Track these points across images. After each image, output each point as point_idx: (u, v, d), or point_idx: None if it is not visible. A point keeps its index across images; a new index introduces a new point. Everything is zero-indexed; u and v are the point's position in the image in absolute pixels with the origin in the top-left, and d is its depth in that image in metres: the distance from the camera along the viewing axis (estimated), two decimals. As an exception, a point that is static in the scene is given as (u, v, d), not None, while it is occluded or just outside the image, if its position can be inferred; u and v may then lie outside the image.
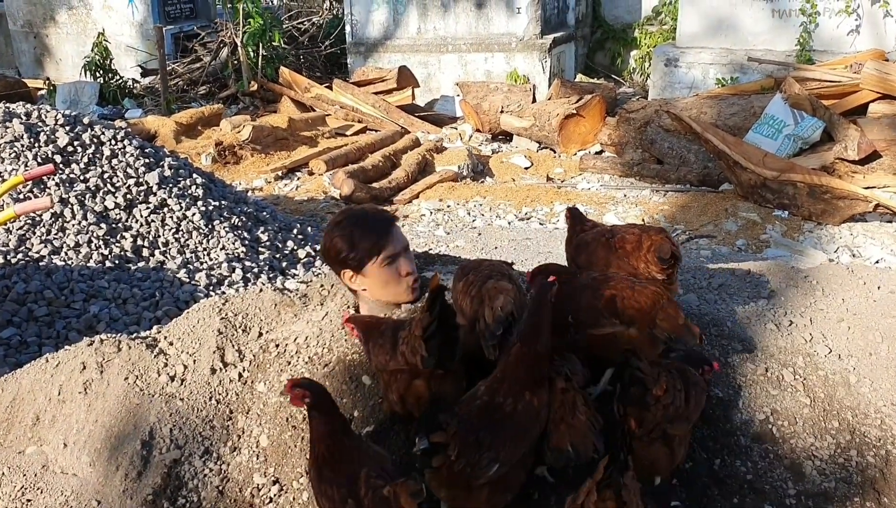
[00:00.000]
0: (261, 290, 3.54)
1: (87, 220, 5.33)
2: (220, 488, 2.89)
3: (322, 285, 3.54)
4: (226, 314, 3.41)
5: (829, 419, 3.18)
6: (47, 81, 14.14)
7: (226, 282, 5.38)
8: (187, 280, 5.25)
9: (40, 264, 4.91)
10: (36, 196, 5.26)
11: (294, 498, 2.81)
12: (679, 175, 8.70)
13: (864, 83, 8.34)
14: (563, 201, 8.26)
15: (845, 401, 3.25)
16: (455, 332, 2.56)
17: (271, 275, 5.59)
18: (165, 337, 3.40)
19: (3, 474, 3.15)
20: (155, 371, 3.24)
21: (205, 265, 5.48)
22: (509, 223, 7.57)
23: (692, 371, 2.71)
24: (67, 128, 5.71)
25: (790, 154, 8.07)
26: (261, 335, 3.36)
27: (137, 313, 4.88)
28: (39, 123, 5.68)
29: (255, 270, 5.59)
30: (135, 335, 3.40)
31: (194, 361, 3.27)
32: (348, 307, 3.31)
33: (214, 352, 3.26)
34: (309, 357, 3.15)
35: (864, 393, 3.27)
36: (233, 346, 3.29)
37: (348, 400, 2.95)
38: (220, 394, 3.16)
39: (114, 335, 3.36)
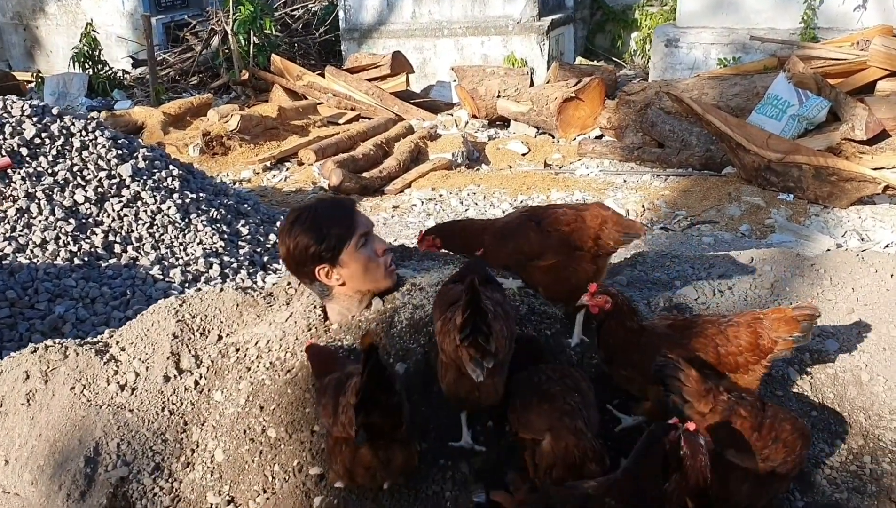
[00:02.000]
0: (221, 289, 3.28)
1: (54, 215, 5.07)
2: (171, 508, 2.64)
3: (289, 283, 3.28)
4: (183, 317, 3.14)
5: (839, 423, 2.92)
6: (37, 74, 13.87)
7: (202, 278, 5.12)
8: (161, 277, 4.99)
9: (3, 262, 4.66)
10: (1, 192, 5.00)
11: (249, 520, 2.56)
12: (680, 159, 8.41)
13: (871, 60, 8.02)
14: (560, 188, 7.98)
15: (857, 401, 2.98)
16: (395, 397, 2.26)
17: (251, 270, 5.34)
18: (118, 342, 3.14)
19: (-59, 494, 2.91)
20: (104, 380, 2.98)
21: (180, 261, 5.22)
22: (503, 212, 7.28)
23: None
24: (35, 119, 5.45)
25: (795, 135, 7.77)
26: (220, 338, 3.10)
27: (106, 313, 4.63)
28: (4, 115, 5.42)
29: (235, 265, 5.33)
30: (83, 340, 3.14)
31: (147, 368, 3.01)
32: (314, 308, 3.04)
33: (169, 358, 3.00)
34: (270, 363, 2.88)
35: (878, 392, 2.99)
36: (189, 351, 3.03)
37: (311, 410, 2.68)
38: (173, 404, 2.90)
39: (60, 341, 3.10)
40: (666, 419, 2.62)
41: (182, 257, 5.28)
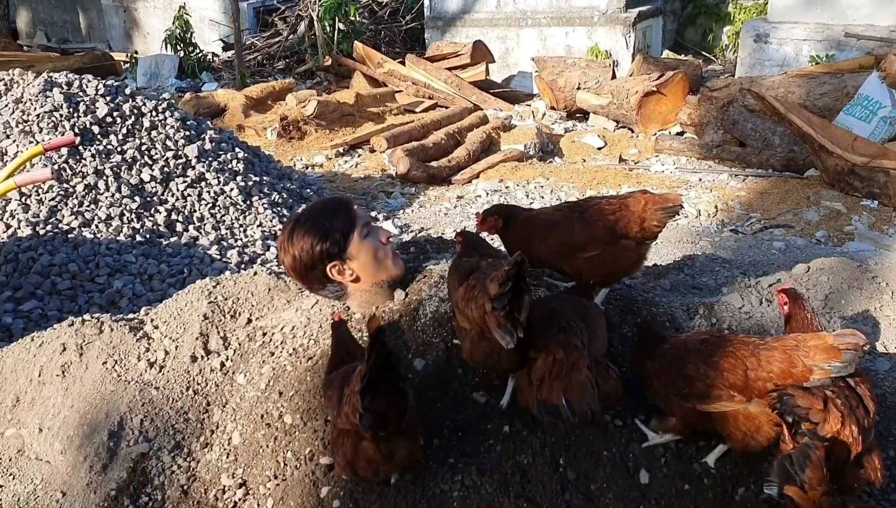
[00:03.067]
0: (255, 273, 3.30)
1: (120, 192, 5.22)
2: (186, 487, 2.68)
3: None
4: (215, 298, 3.18)
5: (887, 449, 2.73)
6: (132, 55, 14.38)
7: (258, 260, 5.20)
8: (218, 257, 5.08)
9: (69, 236, 4.83)
10: (71, 167, 5.18)
11: (258, 505, 2.56)
12: (761, 159, 8.08)
13: (974, 61, 7.53)
14: (632, 183, 7.78)
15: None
16: (401, 384, 2.24)
17: (307, 254, 5.37)
18: (152, 320, 3.20)
19: (-20, 456, 3.03)
20: (135, 356, 3.05)
21: (238, 243, 5.31)
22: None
23: None
24: (108, 98, 5.62)
25: (884, 138, 7.36)
26: (249, 321, 3.12)
27: (163, 289, 4.74)
28: (80, 93, 5.61)
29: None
30: (120, 317, 3.21)
31: (176, 347, 3.06)
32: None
33: (198, 338, 3.04)
34: (294, 349, 2.89)
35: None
36: (218, 333, 3.07)
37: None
38: (198, 384, 2.94)
39: (97, 316, 3.18)
40: (693, 437, 2.51)
41: (241, 239, 5.37)
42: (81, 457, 2.81)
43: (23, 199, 4.96)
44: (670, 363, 2.48)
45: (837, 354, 2.27)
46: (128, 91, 5.81)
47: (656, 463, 2.54)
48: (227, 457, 2.71)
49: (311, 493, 2.52)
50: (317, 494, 2.51)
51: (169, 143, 5.63)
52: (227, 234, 5.36)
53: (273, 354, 2.92)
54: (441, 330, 2.81)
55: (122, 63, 14.36)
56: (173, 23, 13.76)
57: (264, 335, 3.02)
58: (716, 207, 7.05)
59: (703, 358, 2.43)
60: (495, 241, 2.99)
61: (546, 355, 2.32)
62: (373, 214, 6.08)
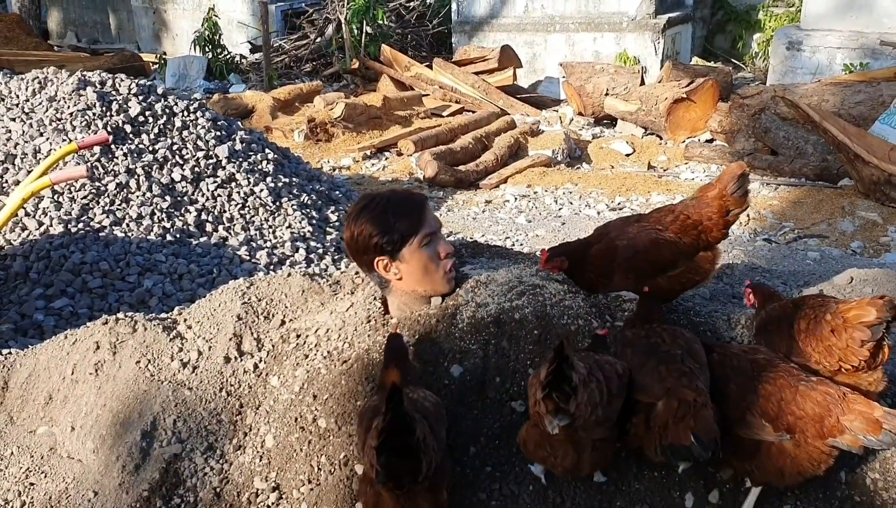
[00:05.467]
0: (289, 275, 3.28)
1: (151, 191, 5.23)
2: (218, 490, 2.65)
3: (357, 272, 3.24)
4: (249, 299, 3.16)
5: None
6: (161, 56, 14.48)
7: (287, 262, 5.18)
8: (248, 258, 5.07)
9: (100, 234, 4.83)
10: (103, 166, 5.19)
11: (292, 509, 2.53)
12: (794, 168, 7.97)
13: None
14: (661, 191, 7.70)
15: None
16: (418, 442, 2.14)
17: (336, 257, 5.36)
18: (185, 320, 3.18)
19: (13, 453, 3.02)
20: (168, 356, 3.03)
21: (268, 243, 5.30)
22: (598, 213, 7.09)
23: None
24: (140, 98, 5.64)
25: (922, 148, 7.23)
26: (283, 323, 3.09)
27: (192, 289, 4.73)
28: (113, 92, 5.63)
29: (320, 250, 5.37)
30: (154, 316, 3.19)
31: (210, 347, 3.04)
32: (375, 300, 2.99)
33: (231, 339, 3.01)
34: (328, 352, 2.85)
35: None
36: (252, 334, 3.04)
37: (362, 403, 2.63)
38: (231, 385, 2.92)
39: (131, 314, 3.17)
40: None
41: (270, 240, 5.35)
42: (114, 457, 2.79)
43: (55, 197, 4.97)
44: (716, 378, 2.38)
45: (878, 429, 2.15)
46: (160, 91, 5.82)
47: (698, 484, 2.48)
48: (261, 460, 2.68)
49: (346, 499, 2.48)
50: (351, 501, 2.48)
51: (200, 143, 5.63)
52: (256, 235, 5.35)
53: (307, 356, 2.88)
54: (478, 336, 2.76)
55: (151, 64, 14.46)
56: (202, 24, 13.84)
57: (298, 337, 2.98)
58: (748, 215, 6.95)
59: (746, 379, 2.34)
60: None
61: (669, 400, 2.22)
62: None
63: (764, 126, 8.48)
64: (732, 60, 13.60)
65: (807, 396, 2.24)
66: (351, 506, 2.46)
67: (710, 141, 9.39)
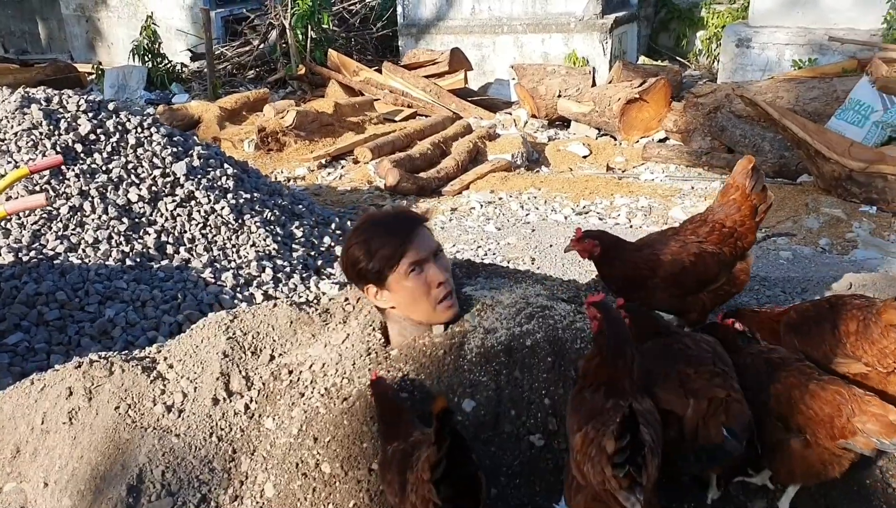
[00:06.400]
0: (275, 305, 3.07)
1: (107, 214, 4.94)
2: (216, 547, 2.43)
3: (347, 299, 3.05)
4: (234, 333, 2.94)
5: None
6: (97, 66, 13.96)
7: (254, 282, 4.95)
8: (213, 280, 4.82)
9: (54, 262, 4.53)
10: (54, 188, 4.88)
11: (301, 566, 2.34)
12: (752, 165, 7.99)
13: (962, 64, 7.54)
14: (623, 193, 7.65)
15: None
16: (475, 468, 2.01)
17: (304, 275, 5.14)
18: (165, 358, 2.95)
19: (-22, 515, 2.76)
20: (150, 400, 2.79)
21: (233, 264, 5.06)
22: (566, 218, 6.99)
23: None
24: (90, 114, 5.33)
25: (878, 143, 7.33)
26: (272, 358, 2.88)
27: (157, 317, 4.47)
28: (60, 110, 5.31)
29: (288, 269, 5.14)
30: (130, 354, 2.95)
31: (195, 388, 2.81)
32: (373, 330, 2.81)
33: (218, 379, 2.79)
34: (325, 389, 2.66)
35: None
36: (240, 372, 2.83)
37: (369, 445, 2.45)
38: (222, 429, 2.70)
39: (106, 355, 2.93)
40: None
41: (234, 260, 5.11)
42: (96, 515, 2.55)
43: (3, 223, 4.65)
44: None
45: (893, 432, 2.08)
46: (111, 107, 5.51)
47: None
48: (261, 512, 2.47)
49: (360, 552, 2.30)
50: (366, 553, 2.30)
51: (156, 160, 5.35)
52: (219, 255, 5.10)
53: (303, 395, 2.68)
54: (489, 367, 2.60)
55: (86, 75, 13.92)
56: (140, 33, 13.39)
57: (290, 373, 2.78)
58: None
59: (758, 378, 2.27)
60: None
61: (698, 401, 2.12)
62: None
63: (720, 124, 8.51)
64: (677, 58, 13.70)
65: (816, 395, 2.17)
66: (365, 560, 2.28)
67: (665, 140, 9.40)
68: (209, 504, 2.54)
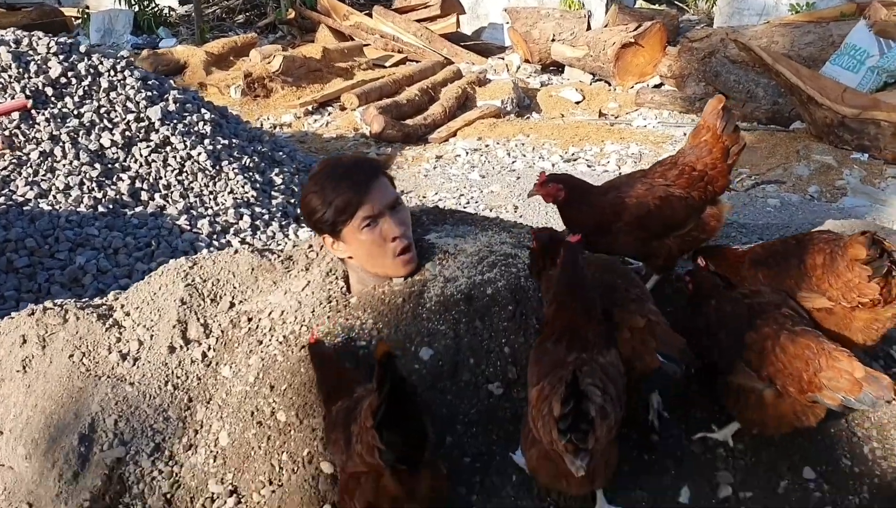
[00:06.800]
0: (236, 251, 2.99)
1: (79, 159, 4.84)
2: (169, 496, 2.39)
3: (311, 246, 2.98)
4: (193, 280, 2.87)
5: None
6: (83, 10, 13.68)
7: (231, 230, 4.88)
8: (188, 228, 4.75)
9: (24, 208, 4.45)
10: (24, 133, 4.77)
11: (252, 515, 2.30)
12: (745, 112, 7.87)
13: (963, 7, 7.35)
14: (615, 139, 7.52)
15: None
16: (421, 415, 1.95)
17: (283, 222, 5.07)
18: (122, 306, 2.88)
19: (-67, 463, 2.72)
20: (105, 348, 2.74)
21: (209, 211, 4.97)
22: (553, 165, 6.88)
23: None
24: (61, 57, 5.19)
25: (873, 89, 7.17)
26: (232, 305, 2.82)
27: (129, 264, 4.41)
28: (30, 52, 5.17)
29: (266, 216, 5.06)
30: (86, 302, 2.89)
31: (151, 336, 2.75)
32: (336, 278, 2.74)
33: (175, 326, 2.73)
34: (284, 336, 2.60)
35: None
36: (198, 319, 2.76)
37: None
38: (178, 378, 2.65)
39: (60, 302, 2.86)
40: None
41: (211, 207, 5.03)
42: (49, 463, 2.51)
43: (-30, 169, 4.57)
44: (710, 324, 2.30)
45: (857, 389, 2.04)
46: (82, 49, 5.37)
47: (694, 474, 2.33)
48: (215, 460, 2.43)
49: (312, 501, 2.25)
50: (318, 502, 2.25)
51: (130, 104, 5.23)
52: (196, 202, 5.01)
53: (261, 342, 2.62)
54: (448, 315, 2.53)
55: (73, 19, 13.66)
56: (127, -25, 13.10)
57: (250, 320, 2.72)
58: (703, 162, 6.82)
59: (737, 326, 2.24)
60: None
61: (621, 333, 2.11)
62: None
63: (714, 70, 8.35)
64: (675, 2, 13.42)
65: (786, 348, 2.13)
66: (318, 508, 2.24)
67: (660, 86, 9.24)
68: (163, 453, 2.49)
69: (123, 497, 2.41)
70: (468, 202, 5.79)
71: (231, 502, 2.33)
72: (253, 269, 2.91)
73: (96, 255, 4.41)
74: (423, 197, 5.82)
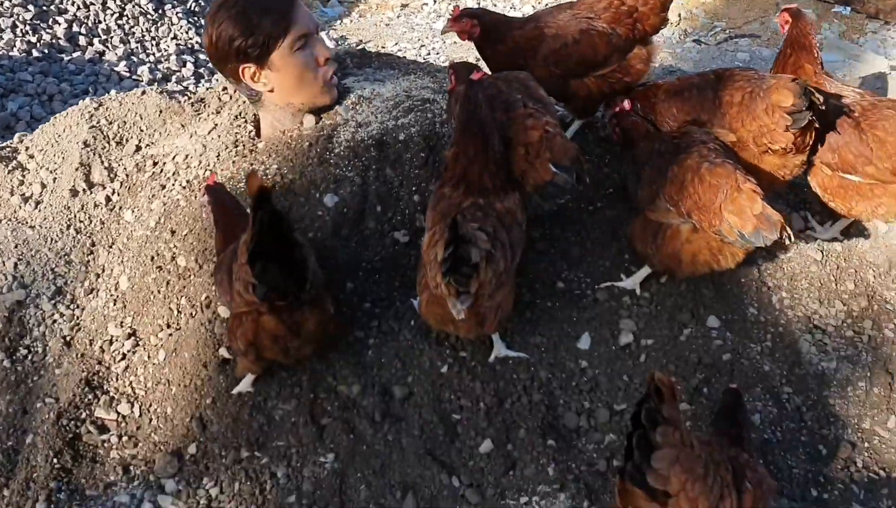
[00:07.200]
0: (143, 93, 2.86)
1: (11, 1, 4.59)
2: (69, 338, 2.38)
3: (225, 89, 2.84)
4: (98, 122, 2.75)
5: (842, 280, 2.50)
6: None
7: (173, 78, 4.69)
8: (128, 75, 4.57)
9: (-49, 51, 4.26)
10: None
11: (149, 357, 2.28)
12: (729, -38, 7.48)
13: None
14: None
15: (868, 255, 2.56)
16: (299, 249, 1.91)
17: (230, 70, 4.86)
18: (27, 148, 2.78)
19: None
20: (7, 190, 2.66)
21: (151, 58, 4.78)
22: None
23: None
24: None
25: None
26: (138, 149, 2.71)
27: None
28: None
29: (210, 64, 4.85)
30: (-10, 144, 2.78)
31: (54, 179, 2.67)
32: (245, 122, 2.62)
33: (78, 169, 2.64)
34: (188, 181, 2.51)
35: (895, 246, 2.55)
36: (102, 162, 2.67)
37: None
38: (81, 222, 2.58)
39: (-40, 146, 2.75)
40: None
41: (153, 54, 4.82)
42: (-53, 307, 2.48)
43: None
44: (637, 163, 2.30)
45: (751, 225, 2.03)
46: None
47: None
48: (115, 304, 2.40)
49: (208, 344, 2.24)
50: (214, 345, 2.23)
51: (64, -60, 4.92)
52: (137, 48, 4.80)
53: (164, 187, 2.54)
54: (357, 162, 2.45)
55: None
56: None
57: (155, 164, 2.63)
58: (679, 15, 6.53)
59: (661, 162, 2.22)
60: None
61: (516, 147, 2.06)
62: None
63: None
64: None
65: (703, 178, 2.11)
66: (213, 352, 2.22)
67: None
68: (64, 297, 2.46)
69: (23, 340, 2.38)
70: (429, 53, 5.57)
71: (129, 344, 2.32)
72: (161, 111, 2.79)
73: (30, 102, 4.25)
74: (382, 48, 5.58)
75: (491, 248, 1.90)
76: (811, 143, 2.21)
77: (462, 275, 1.85)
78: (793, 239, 2.07)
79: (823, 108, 2.15)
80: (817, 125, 2.16)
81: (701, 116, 2.30)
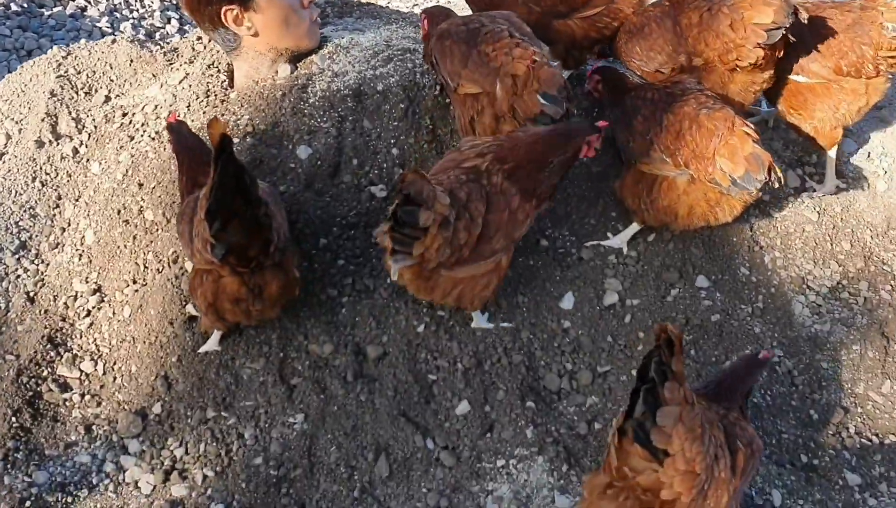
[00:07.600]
0: (114, 41, 2.74)
1: (-12, -50, 4.45)
2: (32, 294, 2.28)
3: (199, 38, 2.72)
4: (66, 71, 2.64)
5: (837, 240, 2.40)
6: None
7: (157, 35, 4.55)
8: (110, 31, 4.43)
9: (-76, 4, 4.13)
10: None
11: (114, 314, 2.19)
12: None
13: None
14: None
15: (865, 215, 2.46)
16: (265, 206, 1.79)
17: (216, 28, 4.73)
18: (-8, 99, 2.68)
19: None
20: (-29, 142, 2.56)
21: (134, 14, 4.65)
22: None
23: None
24: None
25: None
26: (108, 99, 2.60)
27: (44, 67, 4.13)
28: None
29: (185, 11, 4.72)
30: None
31: (20, 130, 2.57)
32: (218, 72, 2.51)
33: (44, 120, 2.53)
34: (156, 132, 2.41)
35: (894, 206, 2.45)
36: (69, 113, 2.56)
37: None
38: (47, 174, 2.48)
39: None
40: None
41: (136, 10, 4.69)
42: None
43: None
44: (626, 114, 2.20)
45: (742, 168, 1.99)
46: None
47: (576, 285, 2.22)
48: (80, 259, 2.30)
49: (174, 300, 2.15)
50: (181, 302, 2.14)
51: None
52: (120, 3, 4.67)
53: (132, 138, 2.44)
54: (332, 113, 2.36)
55: None
56: None
57: (124, 115, 2.52)
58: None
59: (653, 111, 2.14)
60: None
61: (502, 81, 1.98)
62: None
63: None
64: None
65: (702, 124, 2.05)
66: (180, 308, 2.13)
67: None
68: (29, 252, 2.36)
69: (-14, 296, 2.29)
70: (415, 5, 5.43)
71: (94, 300, 2.22)
72: (132, 61, 2.67)
73: (7, 56, 4.13)
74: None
75: (448, 215, 1.79)
76: (780, 56, 2.16)
77: (404, 235, 1.76)
78: (782, 182, 2.02)
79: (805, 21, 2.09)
80: (792, 38, 2.09)
81: (666, 48, 2.22)
